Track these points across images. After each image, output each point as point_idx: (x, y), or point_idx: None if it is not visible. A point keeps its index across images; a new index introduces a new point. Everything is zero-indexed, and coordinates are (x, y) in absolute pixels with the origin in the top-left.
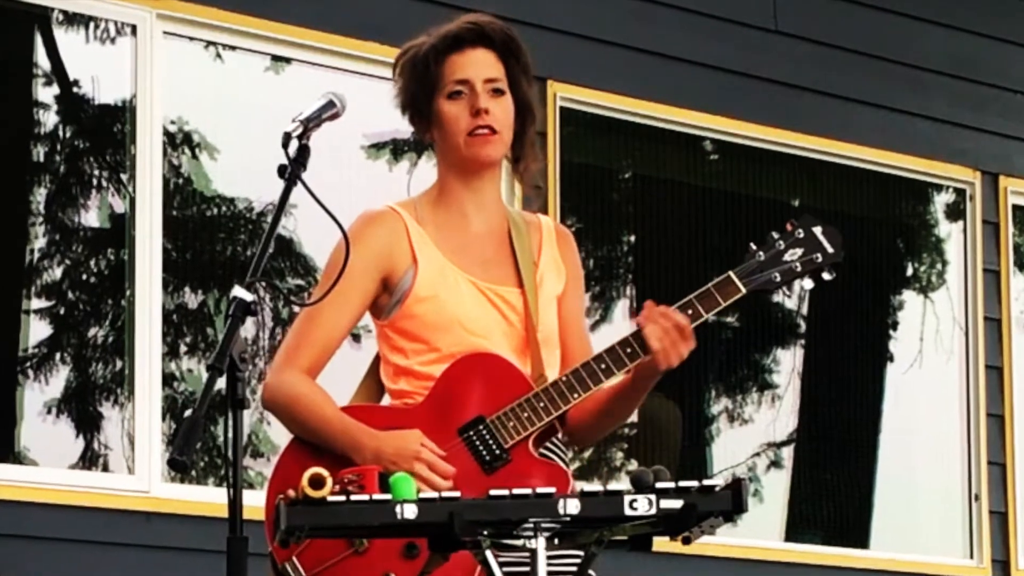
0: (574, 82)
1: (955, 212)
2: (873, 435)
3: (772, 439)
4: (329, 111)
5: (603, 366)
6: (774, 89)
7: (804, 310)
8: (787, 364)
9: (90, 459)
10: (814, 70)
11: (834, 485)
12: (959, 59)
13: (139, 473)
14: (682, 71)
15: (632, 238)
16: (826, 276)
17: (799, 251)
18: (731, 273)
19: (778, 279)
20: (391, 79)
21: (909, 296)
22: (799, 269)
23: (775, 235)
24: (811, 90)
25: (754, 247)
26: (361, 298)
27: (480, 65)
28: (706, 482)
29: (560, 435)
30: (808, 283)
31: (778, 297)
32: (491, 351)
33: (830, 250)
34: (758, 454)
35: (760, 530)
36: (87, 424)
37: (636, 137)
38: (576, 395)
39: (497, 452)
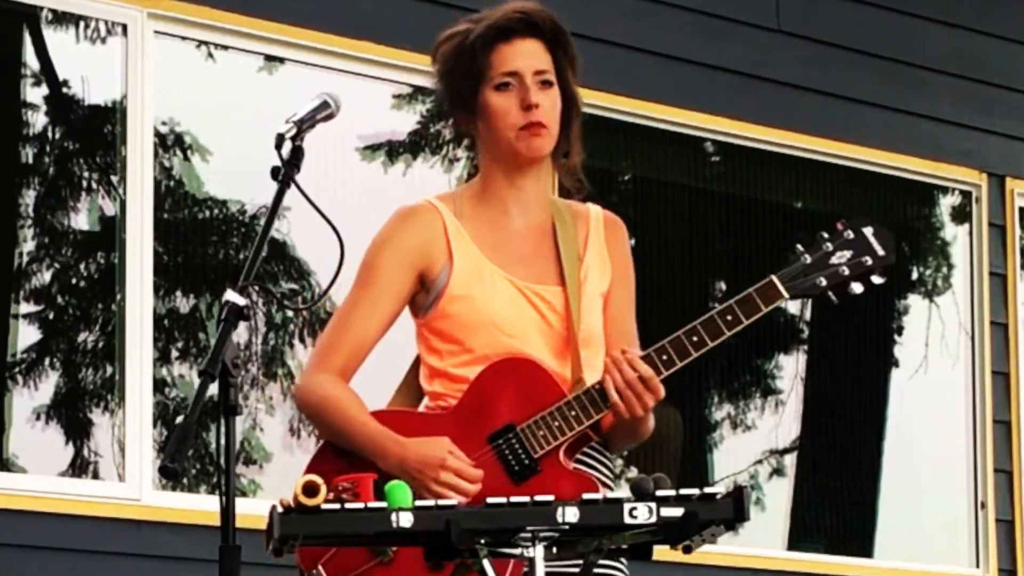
0: (577, 83)
1: (961, 215)
2: (877, 442)
3: (774, 446)
4: (323, 112)
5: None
6: (776, 90)
7: (807, 314)
8: (790, 369)
9: (80, 466)
10: (817, 70)
11: (837, 492)
12: (965, 59)
13: (130, 481)
14: (683, 71)
15: (632, 241)
16: (876, 280)
17: (847, 253)
18: (773, 277)
19: (823, 283)
20: (383, 79)
21: (914, 300)
22: (847, 273)
23: (824, 235)
24: (814, 91)
25: (800, 248)
26: (395, 297)
27: (530, 56)
28: (707, 490)
29: (596, 441)
30: (857, 287)
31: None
32: (526, 355)
33: (880, 252)
34: (760, 461)
35: (762, 538)
36: (77, 431)
37: (636, 138)
38: (608, 404)
39: (526, 462)
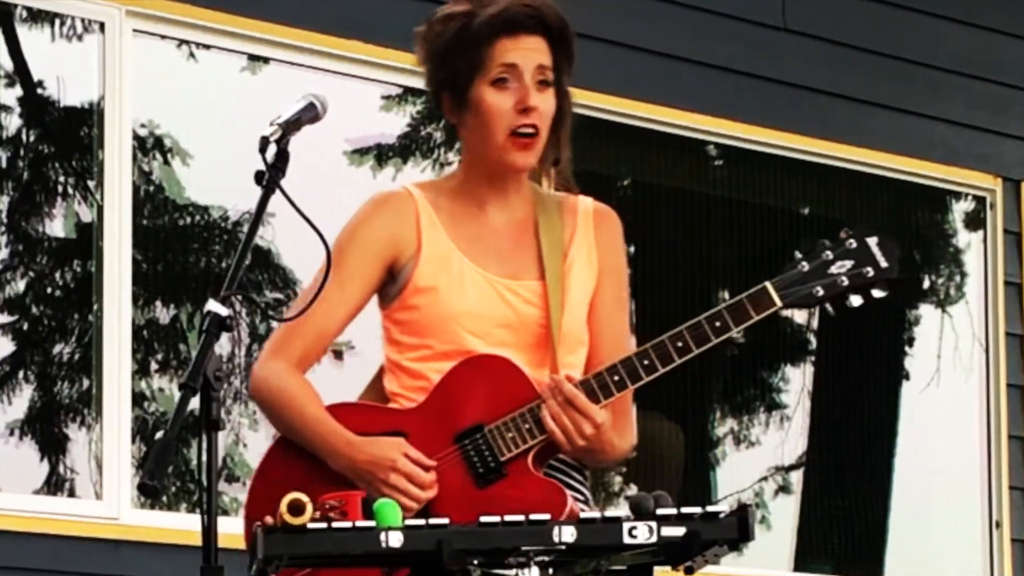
0: (571, 83)
1: (975, 221)
2: (887, 458)
3: (780, 462)
4: (309, 114)
5: (615, 378)
6: (782, 91)
7: (815, 325)
8: (796, 383)
9: (55, 484)
10: (825, 71)
11: (846, 511)
12: (979, 59)
13: (107, 499)
14: (684, 72)
15: (632, 248)
16: (877, 293)
17: (848, 263)
18: (768, 284)
19: (820, 293)
20: (372, 80)
21: (926, 310)
22: (845, 284)
23: (825, 243)
24: (822, 92)
25: (798, 255)
26: (361, 287)
27: (533, 53)
28: (710, 508)
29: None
30: (856, 300)
31: (787, 311)
32: (500, 353)
33: (883, 264)
34: (765, 478)
35: (768, 559)
36: (52, 447)
37: (636, 141)
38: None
39: (492, 465)
